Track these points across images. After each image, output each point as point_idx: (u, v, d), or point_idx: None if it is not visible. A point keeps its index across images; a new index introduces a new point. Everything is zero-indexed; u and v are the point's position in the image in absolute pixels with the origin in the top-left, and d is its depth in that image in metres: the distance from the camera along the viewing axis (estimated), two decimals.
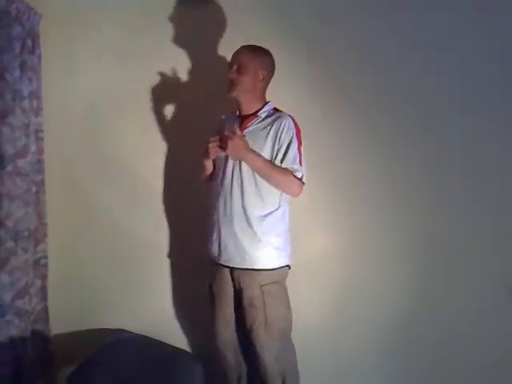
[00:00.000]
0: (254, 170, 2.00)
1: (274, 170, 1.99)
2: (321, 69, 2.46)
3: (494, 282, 2.39)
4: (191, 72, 2.57)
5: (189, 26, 2.55)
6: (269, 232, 2.03)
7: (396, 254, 2.46)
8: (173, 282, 2.62)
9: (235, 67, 2.04)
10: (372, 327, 2.47)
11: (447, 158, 2.42)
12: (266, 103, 2.11)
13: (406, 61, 2.42)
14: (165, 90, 2.59)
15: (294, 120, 2.05)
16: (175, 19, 2.57)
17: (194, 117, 2.53)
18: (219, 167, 2.11)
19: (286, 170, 2.00)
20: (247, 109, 2.09)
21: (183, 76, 2.58)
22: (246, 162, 2.00)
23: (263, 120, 2.06)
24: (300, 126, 2.08)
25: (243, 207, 2.02)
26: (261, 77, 2.05)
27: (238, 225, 2.02)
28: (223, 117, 2.21)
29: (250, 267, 2.02)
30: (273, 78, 2.16)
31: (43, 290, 2.60)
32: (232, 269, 2.08)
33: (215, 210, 2.09)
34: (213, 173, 2.16)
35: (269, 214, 2.03)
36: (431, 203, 2.43)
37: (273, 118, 2.06)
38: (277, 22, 2.47)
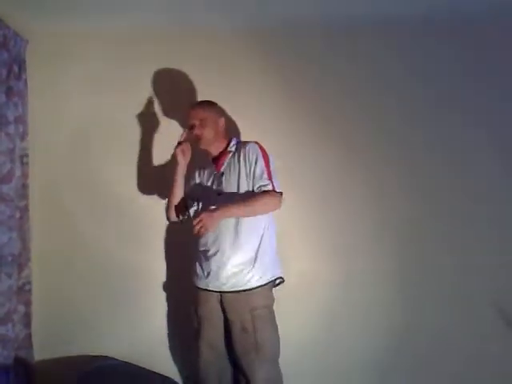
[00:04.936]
0: (236, 217, 2.12)
1: (250, 204, 2.10)
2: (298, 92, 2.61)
3: (485, 305, 2.44)
4: (176, 102, 2.62)
5: (175, 58, 2.62)
6: (258, 257, 2.14)
7: (383, 278, 2.51)
8: (159, 310, 2.60)
9: (197, 123, 2.25)
10: (359, 351, 2.49)
11: (436, 177, 2.52)
12: (231, 139, 2.33)
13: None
14: (150, 119, 2.63)
15: (258, 144, 2.23)
16: (162, 51, 2.63)
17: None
18: (203, 207, 2.23)
19: (257, 194, 2.12)
20: (217, 150, 2.31)
21: (168, 105, 2.63)
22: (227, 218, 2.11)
23: (234, 153, 2.27)
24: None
25: (235, 241, 2.13)
26: (220, 124, 2.31)
27: (232, 257, 2.12)
28: (196, 169, 2.38)
29: (241, 289, 2.11)
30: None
31: (27, 316, 2.56)
32: (222, 294, 2.13)
33: (205, 243, 2.17)
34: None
35: (259, 242, 2.15)
36: (420, 228, 2.51)
37: (240, 148, 2.26)
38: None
